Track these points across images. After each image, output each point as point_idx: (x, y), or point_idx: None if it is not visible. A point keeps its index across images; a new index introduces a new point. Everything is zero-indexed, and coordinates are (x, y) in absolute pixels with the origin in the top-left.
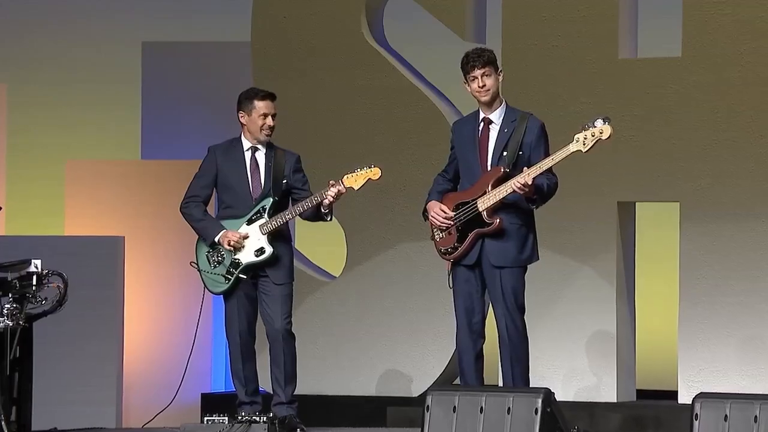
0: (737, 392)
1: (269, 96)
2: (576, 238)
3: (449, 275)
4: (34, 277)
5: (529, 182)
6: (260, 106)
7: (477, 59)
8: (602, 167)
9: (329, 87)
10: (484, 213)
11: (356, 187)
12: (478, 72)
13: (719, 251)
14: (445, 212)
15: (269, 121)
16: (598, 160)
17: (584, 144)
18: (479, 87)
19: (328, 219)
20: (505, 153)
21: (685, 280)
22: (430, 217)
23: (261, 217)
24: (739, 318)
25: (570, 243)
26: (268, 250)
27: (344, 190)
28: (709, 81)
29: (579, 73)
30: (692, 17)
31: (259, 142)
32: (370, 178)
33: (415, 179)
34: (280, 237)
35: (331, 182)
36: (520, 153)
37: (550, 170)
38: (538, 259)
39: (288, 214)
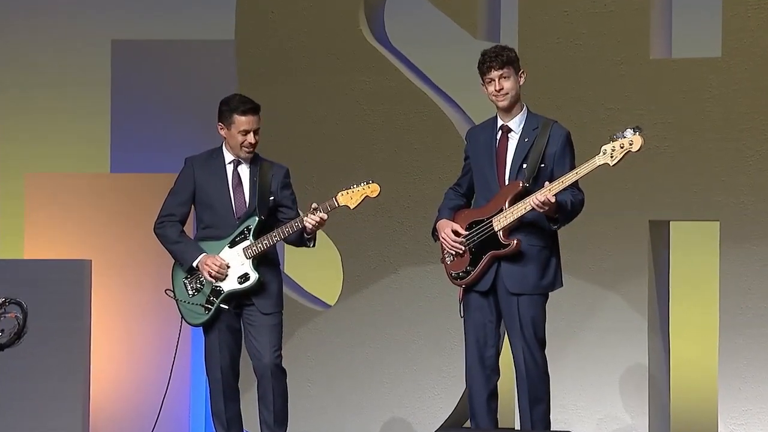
0: None
1: (252, 110)
2: (603, 261)
3: (461, 303)
4: None
5: (552, 200)
6: (241, 121)
7: (494, 59)
8: (632, 182)
9: (323, 91)
10: (500, 233)
11: (352, 206)
12: (495, 74)
13: (764, 276)
14: (457, 233)
15: (250, 138)
16: (628, 174)
17: (612, 156)
18: (496, 90)
19: (311, 245)
20: (524, 165)
21: (725, 308)
22: (440, 239)
23: (245, 239)
24: None
25: (596, 267)
26: (253, 276)
27: (326, 218)
28: (752, 84)
29: (606, 75)
30: (733, 13)
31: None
32: (367, 196)
33: (419, 195)
34: (266, 261)
35: (312, 206)
36: (542, 165)
37: (575, 185)
38: (562, 285)
39: (275, 236)
